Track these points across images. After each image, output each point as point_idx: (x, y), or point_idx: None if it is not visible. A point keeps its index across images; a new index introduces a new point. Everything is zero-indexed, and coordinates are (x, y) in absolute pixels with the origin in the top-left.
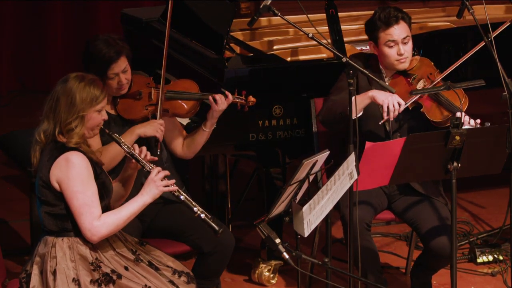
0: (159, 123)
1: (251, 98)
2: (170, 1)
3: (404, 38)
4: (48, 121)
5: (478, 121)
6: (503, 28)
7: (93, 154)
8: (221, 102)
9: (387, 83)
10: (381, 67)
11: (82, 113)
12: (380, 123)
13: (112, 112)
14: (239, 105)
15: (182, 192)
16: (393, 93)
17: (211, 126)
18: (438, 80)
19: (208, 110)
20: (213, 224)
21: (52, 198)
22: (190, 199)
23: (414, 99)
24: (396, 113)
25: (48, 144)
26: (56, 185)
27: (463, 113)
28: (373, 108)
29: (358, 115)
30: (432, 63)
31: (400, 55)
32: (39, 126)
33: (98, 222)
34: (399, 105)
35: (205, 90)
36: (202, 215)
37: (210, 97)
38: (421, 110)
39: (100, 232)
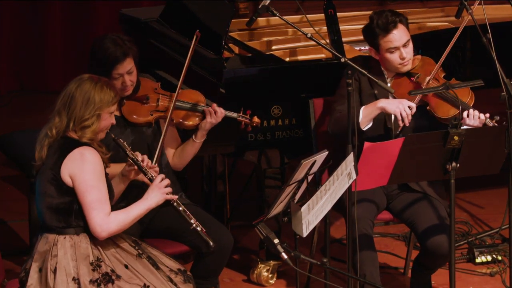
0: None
1: (256, 119)
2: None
3: (405, 42)
4: (60, 117)
5: (487, 115)
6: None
7: (102, 154)
8: (212, 116)
9: (389, 84)
10: (382, 68)
11: (99, 111)
12: (398, 132)
13: (116, 113)
14: (243, 124)
15: (181, 204)
16: (392, 93)
17: (202, 137)
18: (437, 70)
19: None
20: (207, 238)
21: (58, 192)
22: (187, 211)
23: (419, 98)
24: (410, 117)
25: (58, 140)
26: (67, 179)
27: (473, 109)
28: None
29: (368, 127)
30: (434, 61)
31: (403, 59)
32: (50, 122)
33: (109, 219)
34: (410, 108)
35: (207, 94)
36: (198, 228)
37: (205, 109)
38: (428, 108)
39: (110, 228)
